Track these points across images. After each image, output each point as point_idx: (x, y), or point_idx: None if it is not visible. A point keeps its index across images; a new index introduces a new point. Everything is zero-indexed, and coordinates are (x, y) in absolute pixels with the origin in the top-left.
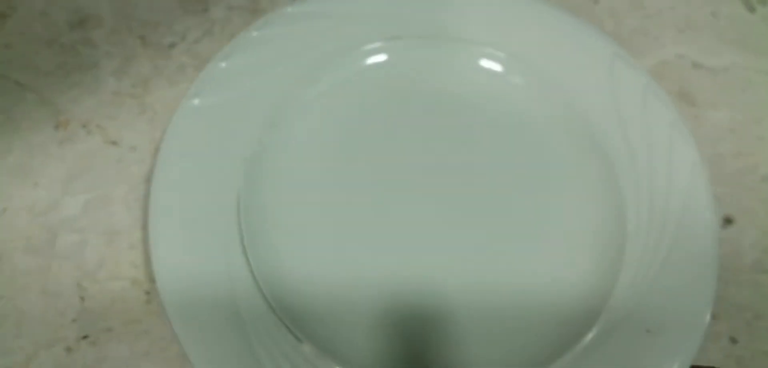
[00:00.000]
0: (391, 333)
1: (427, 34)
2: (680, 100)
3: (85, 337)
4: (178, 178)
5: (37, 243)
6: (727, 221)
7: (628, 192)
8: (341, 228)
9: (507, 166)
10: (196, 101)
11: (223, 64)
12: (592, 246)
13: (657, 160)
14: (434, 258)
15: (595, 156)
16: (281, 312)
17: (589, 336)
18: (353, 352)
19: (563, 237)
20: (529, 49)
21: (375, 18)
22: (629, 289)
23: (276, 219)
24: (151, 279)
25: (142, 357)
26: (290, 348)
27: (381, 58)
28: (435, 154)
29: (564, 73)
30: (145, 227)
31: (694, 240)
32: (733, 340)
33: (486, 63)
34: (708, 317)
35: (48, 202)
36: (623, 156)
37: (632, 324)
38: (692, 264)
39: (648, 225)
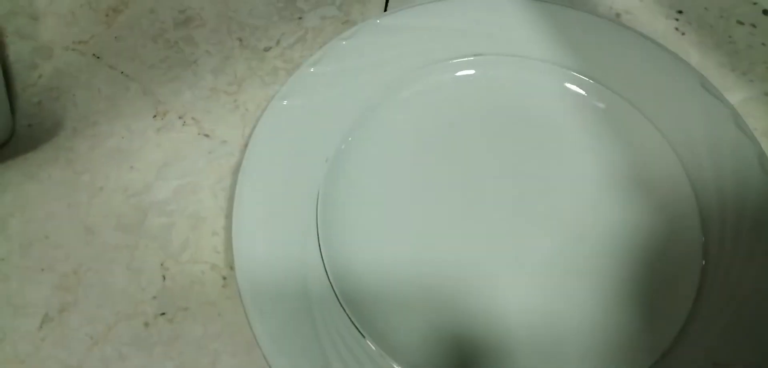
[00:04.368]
0: (449, 339)
1: (515, 54)
2: (765, 138)
3: (162, 314)
4: (263, 173)
5: (128, 222)
6: None
7: (710, 224)
8: (413, 231)
9: (584, 187)
10: (285, 102)
11: (312, 69)
12: (666, 276)
13: (743, 194)
14: (502, 271)
15: (676, 184)
16: (349, 307)
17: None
18: (413, 353)
19: (637, 265)
20: (614, 74)
21: (463, 34)
22: (699, 323)
23: (352, 218)
24: (230, 265)
25: (214, 338)
26: (355, 343)
27: (468, 72)
28: (512, 169)
29: (648, 100)
30: (229, 216)
31: None
32: None
33: (570, 85)
34: None
35: (142, 185)
36: (709, 186)
37: (700, 356)
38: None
39: (730, 260)
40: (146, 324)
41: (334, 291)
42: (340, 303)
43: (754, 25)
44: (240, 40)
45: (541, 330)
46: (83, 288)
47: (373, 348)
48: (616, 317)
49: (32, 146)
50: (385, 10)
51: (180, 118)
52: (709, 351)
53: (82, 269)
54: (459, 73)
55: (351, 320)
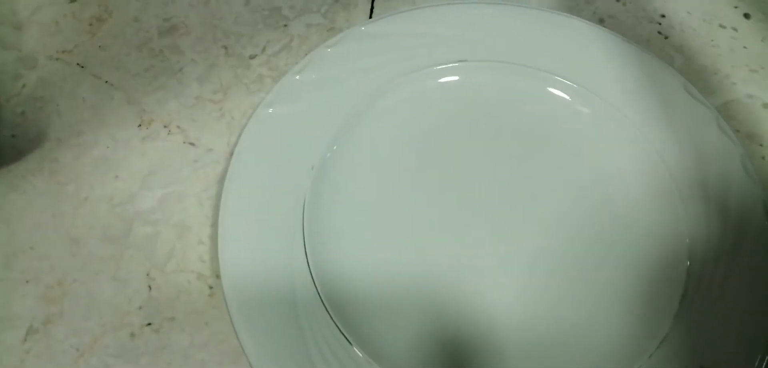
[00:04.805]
0: (435, 344)
1: (498, 60)
2: (748, 140)
3: (148, 324)
4: (249, 181)
5: (113, 232)
6: None
7: (694, 227)
8: (399, 237)
9: (569, 191)
10: (270, 110)
11: (298, 77)
12: (652, 277)
13: (727, 195)
14: (488, 275)
15: (660, 187)
16: (335, 314)
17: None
18: (399, 359)
19: (623, 267)
20: (598, 78)
21: (447, 40)
22: (685, 324)
23: (338, 225)
24: (216, 274)
25: (201, 348)
26: (342, 350)
27: (452, 78)
28: (496, 174)
29: (632, 104)
30: (214, 224)
31: (756, 282)
32: None
33: (554, 90)
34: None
35: (127, 195)
36: (693, 189)
37: (686, 357)
38: (752, 304)
39: (715, 261)
40: (132, 335)
41: (320, 298)
42: (326, 310)
43: (735, 29)
44: (225, 48)
45: (528, 334)
46: (68, 300)
47: (360, 354)
48: (603, 319)
49: (16, 157)
50: (370, 18)
51: (165, 126)
52: (695, 353)
53: (67, 280)
54: (443, 80)
55: (338, 327)
